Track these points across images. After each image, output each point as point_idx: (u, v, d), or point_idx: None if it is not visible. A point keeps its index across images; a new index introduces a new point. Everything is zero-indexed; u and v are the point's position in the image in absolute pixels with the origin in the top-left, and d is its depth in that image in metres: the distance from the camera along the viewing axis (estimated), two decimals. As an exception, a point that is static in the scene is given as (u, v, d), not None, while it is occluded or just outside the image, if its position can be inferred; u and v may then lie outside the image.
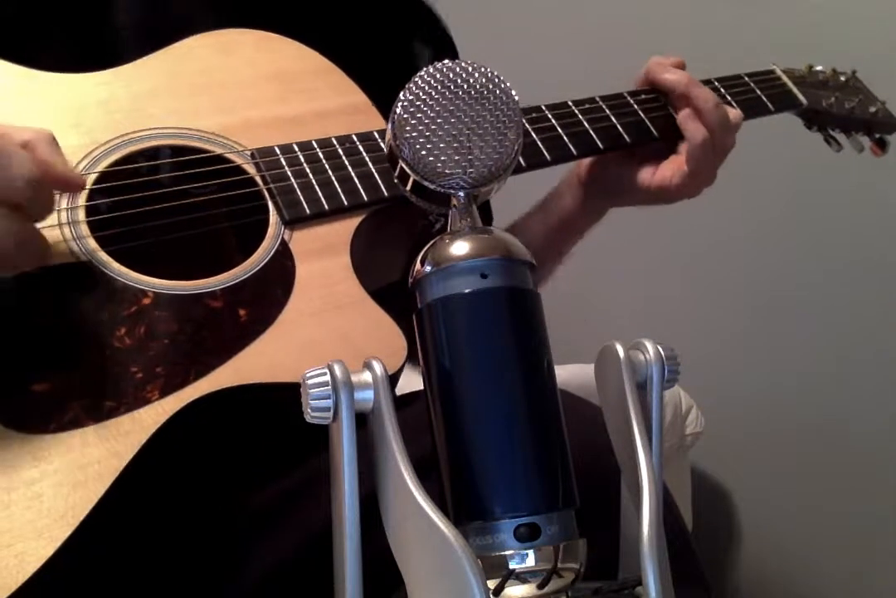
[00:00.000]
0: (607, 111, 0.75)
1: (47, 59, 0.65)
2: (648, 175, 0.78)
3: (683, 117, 0.75)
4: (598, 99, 0.76)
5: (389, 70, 0.77)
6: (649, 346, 0.38)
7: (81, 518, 0.49)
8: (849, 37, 1.32)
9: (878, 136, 0.91)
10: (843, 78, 0.90)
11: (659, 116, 0.77)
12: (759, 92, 0.81)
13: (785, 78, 0.82)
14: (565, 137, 0.73)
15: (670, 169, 0.76)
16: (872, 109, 0.89)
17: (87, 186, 0.59)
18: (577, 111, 0.74)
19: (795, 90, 0.81)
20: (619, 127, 0.75)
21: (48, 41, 0.70)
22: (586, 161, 0.82)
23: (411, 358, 0.57)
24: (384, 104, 0.69)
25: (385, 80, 0.69)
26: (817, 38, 1.30)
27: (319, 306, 0.60)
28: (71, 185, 0.55)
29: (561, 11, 1.61)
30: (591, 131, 0.74)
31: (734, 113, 0.76)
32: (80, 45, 0.71)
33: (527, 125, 0.71)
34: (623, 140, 0.75)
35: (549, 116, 0.73)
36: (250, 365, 0.56)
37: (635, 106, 0.77)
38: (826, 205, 1.39)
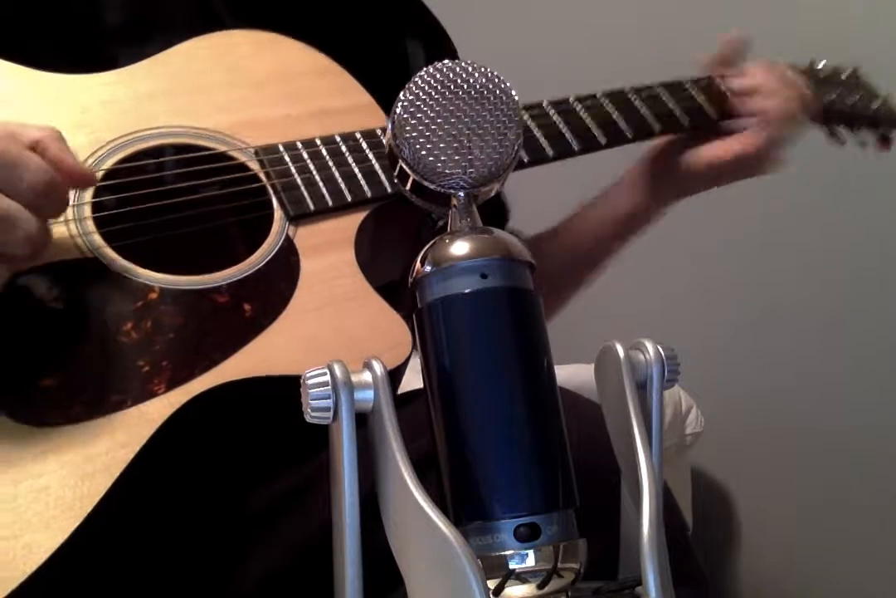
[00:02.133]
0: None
1: (44, 59, 0.65)
2: (725, 145, 0.78)
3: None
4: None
5: (383, 70, 0.77)
6: (649, 346, 0.38)
7: (89, 510, 0.49)
8: (849, 37, 1.32)
9: (882, 132, 0.90)
10: (845, 74, 0.90)
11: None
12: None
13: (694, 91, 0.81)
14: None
15: (752, 135, 0.77)
16: (875, 105, 0.88)
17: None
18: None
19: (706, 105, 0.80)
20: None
21: (44, 41, 0.70)
22: (653, 153, 0.83)
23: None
24: (380, 103, 0.69)
25: (378, 81, 0.69)
26: (817, 38, 1.30)
27: (324, 301, 0.60)
28: (84, 180, 0.56)
29: (561, 11, 1.61)
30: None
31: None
32: (75, 45, 0.71)
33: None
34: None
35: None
36: (255, 359, 0.56)
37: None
38: (827, 205, 1.39)
